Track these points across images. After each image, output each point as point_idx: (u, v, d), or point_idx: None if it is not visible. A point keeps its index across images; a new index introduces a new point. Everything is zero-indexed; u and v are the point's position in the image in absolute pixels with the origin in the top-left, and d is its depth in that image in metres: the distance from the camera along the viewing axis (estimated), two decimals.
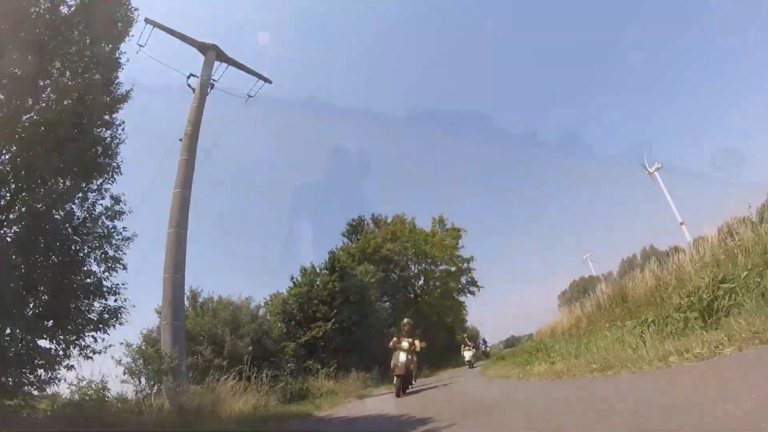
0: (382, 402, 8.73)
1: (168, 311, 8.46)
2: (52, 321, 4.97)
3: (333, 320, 16.55)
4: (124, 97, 7.02)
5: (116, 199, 6.32)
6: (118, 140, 6.76)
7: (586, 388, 4.42)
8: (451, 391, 9.04)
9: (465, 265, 31.65)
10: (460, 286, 32.08)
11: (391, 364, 9.25)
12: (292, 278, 18.28)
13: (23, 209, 5.01)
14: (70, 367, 5.26)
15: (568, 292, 77.65)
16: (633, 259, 72.85)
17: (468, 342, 22.10)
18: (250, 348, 10.16)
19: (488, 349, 25.98)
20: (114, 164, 6.56)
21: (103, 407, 5.06)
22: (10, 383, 4.43)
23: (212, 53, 12.05)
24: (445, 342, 25.92)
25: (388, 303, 25.29)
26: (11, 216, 4.94)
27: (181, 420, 5.19)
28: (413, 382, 10.13)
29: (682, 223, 41.24)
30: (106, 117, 6.74)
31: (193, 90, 11.53)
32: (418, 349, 9.41)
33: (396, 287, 28.76)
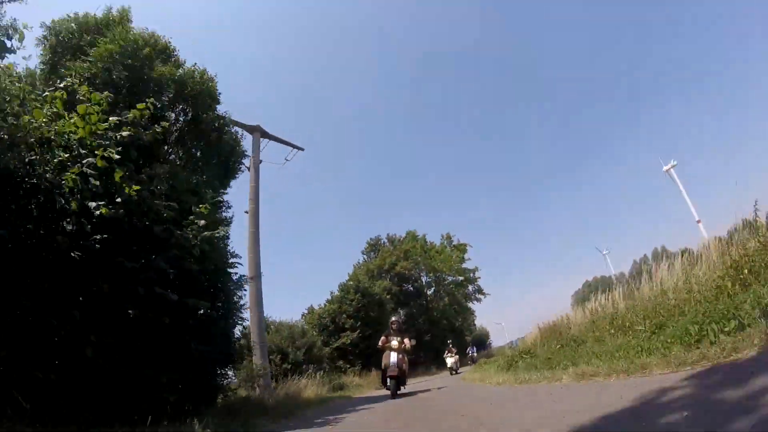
0: None
1: (257, 336, 13.28)
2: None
3: (358, 330, 21.53)
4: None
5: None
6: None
7: (465, 387, 9.00)
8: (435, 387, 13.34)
9: (471, 275, 36.16)
10: (467, 294, 36.64)
11: (382, 364, 8.91)
12: (331, 293, 23.75)
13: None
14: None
15: (581, 291, 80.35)
16: (644, 260, 74.81)
17: (451, 348, 21.94)
18: (304, 356, 15.02)
19: (476, 355, 26.05)
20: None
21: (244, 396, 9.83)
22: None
23: (258, 133, 15.35)
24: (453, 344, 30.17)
25: (401, 311, 29.99)
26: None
27: (284, 401, 9.86)
28: (405, 384, 9.34)
29: (699, 221, 43.42)
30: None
31: (248, 168, 14.65)
32: (408, 347, 9.04)
33: (409, 296, 33.43)
